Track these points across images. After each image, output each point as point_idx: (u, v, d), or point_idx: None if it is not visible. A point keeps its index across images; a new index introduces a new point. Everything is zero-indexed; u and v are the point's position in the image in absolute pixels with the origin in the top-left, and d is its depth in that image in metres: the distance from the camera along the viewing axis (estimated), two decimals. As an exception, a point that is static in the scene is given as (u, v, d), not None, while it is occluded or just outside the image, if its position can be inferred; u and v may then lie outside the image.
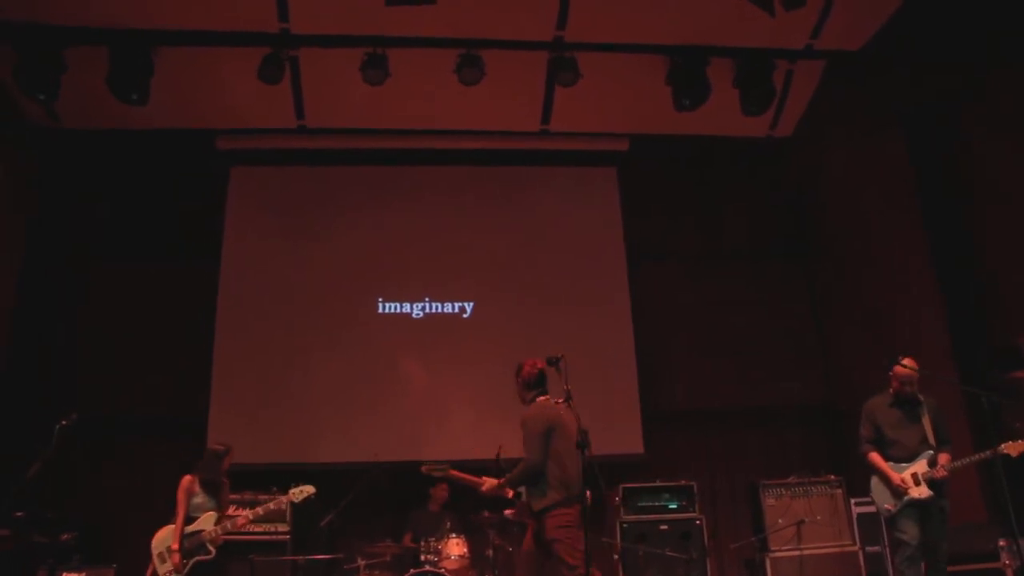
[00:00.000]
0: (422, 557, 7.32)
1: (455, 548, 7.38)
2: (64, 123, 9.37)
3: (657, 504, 8.27)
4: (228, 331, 9.46)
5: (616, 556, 7.93)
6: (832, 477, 8.22)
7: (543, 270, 10.03)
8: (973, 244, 8.44)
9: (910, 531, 5.98)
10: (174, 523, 6.60)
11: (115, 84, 8.40)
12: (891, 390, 6.35)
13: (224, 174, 9.99)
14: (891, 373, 6.31)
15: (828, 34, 8.81)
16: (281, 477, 8.24)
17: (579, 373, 6.05)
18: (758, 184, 10.87)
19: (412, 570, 7.08)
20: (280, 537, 7.91)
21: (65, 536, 7.42)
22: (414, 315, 9.80)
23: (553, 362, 5.84)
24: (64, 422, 6.02)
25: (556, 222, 10.20)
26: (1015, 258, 7.78)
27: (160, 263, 9.76)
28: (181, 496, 6.67)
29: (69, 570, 7.36)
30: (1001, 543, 6.63)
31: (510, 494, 6.08)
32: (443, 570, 7.07)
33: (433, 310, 9.82)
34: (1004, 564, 6.55)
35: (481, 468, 6.35)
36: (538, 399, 6.01)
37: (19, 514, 6.84)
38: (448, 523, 7.83)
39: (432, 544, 7.40)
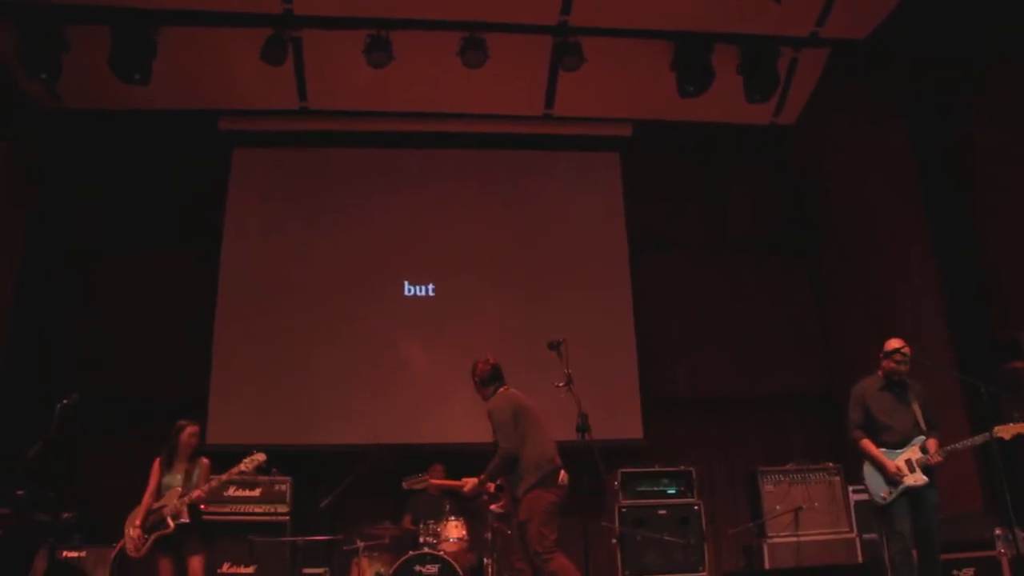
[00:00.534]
0: (421, 539, 7.36)
1: (454, 531, 7.42)
2: (66, 103, 9.33)
3: (656, 489, 8.30)
4: (229, 314, 9.47)
5: (614, 540, 7.97)
6: (830, 465, 8.23)
7: (544, 255, 10.03)
8: (975, 235, 8.45)
9: (902, 522, 5.94)
10: None
11: (117, 64, 8.38)
12: (881, 372, 6.32)
13: (226, 156, 9.97)
14: (882, 352, 6.29)
15: (833, 22, 8.78)
16: (281, 459, 8.28)
17: (580, 358, 6.09)
18: (761, 172, 10.86)
19: (411, 552, 7.11)
20: (280, 518, 7.92)
21: (66, 515, 7.44)
22: (416, 299, 9.80)
23: (554, 346, 5.89)
24: (65, 401, 6.05)
25: (558, 207, 10.19)
26: (1016, 249, 7.79)
27: (161, 247, 9.74)
28: (151, 476, 6.67)
29: (70, 549, 7.39)
30: (997, 532, 6.63)
31: (491, 488, 6.15)
32: (442, 552, 7.10)
33: (434, 294, 9.82)
34: (1000, 553, 6.56)
35: (480, 452, 6.38)
36: (498, 391, 6.08)
37: (20, 493, 6.86)
38: (447, 506, 7.85)
39: (431, 527, 7.45)
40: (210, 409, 9.04)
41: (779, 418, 9.96)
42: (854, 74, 9.37)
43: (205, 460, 6.71)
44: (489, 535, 7.29)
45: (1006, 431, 5.84)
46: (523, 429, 5.88)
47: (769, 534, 7.92)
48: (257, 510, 7.95)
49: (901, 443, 6.11)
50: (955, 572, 6.65)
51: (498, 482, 6.22)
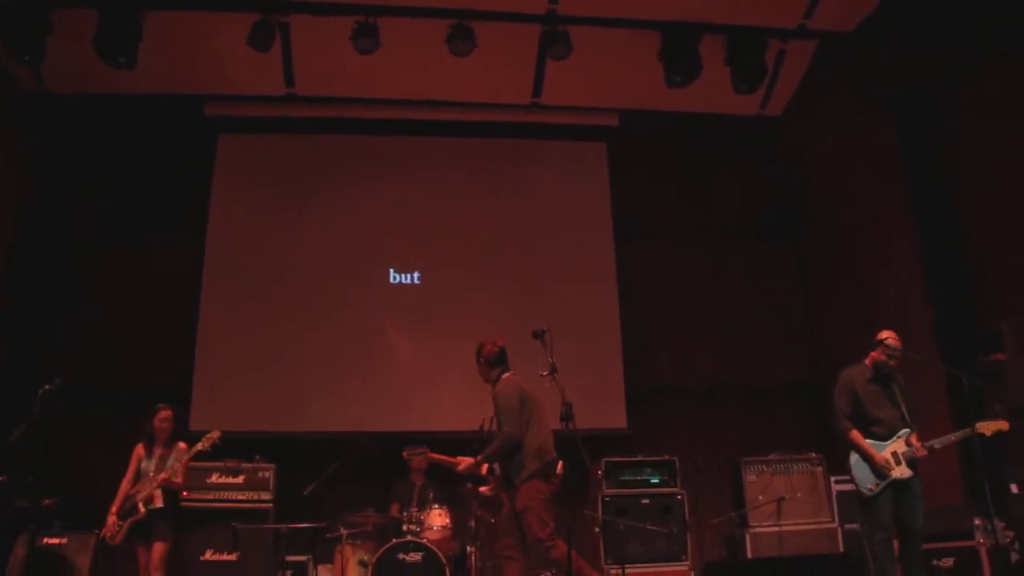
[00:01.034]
0: (404, 527, 7.35)
1: (437, 519, 7.44)
2: (49, 87, 9.23)
3: (639, 478, 8.33)
4: (213, 301, 9.43)
5: (597, 529, 8.00)
6: (813, 455, 8.27)
7: (531, 243, 10.03)
8: (961, 228, 8.47)
9: (886, 513, 6.00)
10: None
11: (102, 47, 8.29)
12: (869, 362, 6.34)
13: (212, 142, 9.92)
14: (873, 342, 6.31)
15: (821, 14, 8.79)
16: (265, 446, 8.28)
17: (564, 347, 6.10)
18: (747, 162, 10.88)
19: (394, 540, 7.11)
20: (263, 505, 7.91)
21: (47, 501, 7.39)
22: (401, 286, 9.78)
23: (539, 335, 5.90)
24: (47, 387, 6.02)
25: (545, 196, 10.19)
26: (1003, 242, 7.81)
27: (148, 234, 9.66)
28: (131, 462, 6.74)
29: (51, 536, 7.36)
30: (976, 522, 6.69)
31: (483, 470, 6.15)
32: (425, 540, 7.10)
33: (420, 281, 9.81)
34: (978, 543, 6.62)
35: (466, 440, 6.39)
36: (503, 376, 6.07)
37: (1, 479, 6.82)
38: (431, 494, 7.86)
39: (415, 514, 7.45)
40: (194, 396, 9.01)
41: (763, 407, 9.99)
42: (841, 66, 9.37)
43: (182, 445, 6.74)
44: (473, 523, 7.30)
45: (987, 427, 5.91)
46: (528, 416, 5.89)
47: (751, 524, 7.97)
48: (240, 497, 7.94)
49: (888, 435, 6.16)
50: (935, 562, 6.71)
51: (493, 466, 6.21)
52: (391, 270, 9.79)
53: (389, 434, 8.99)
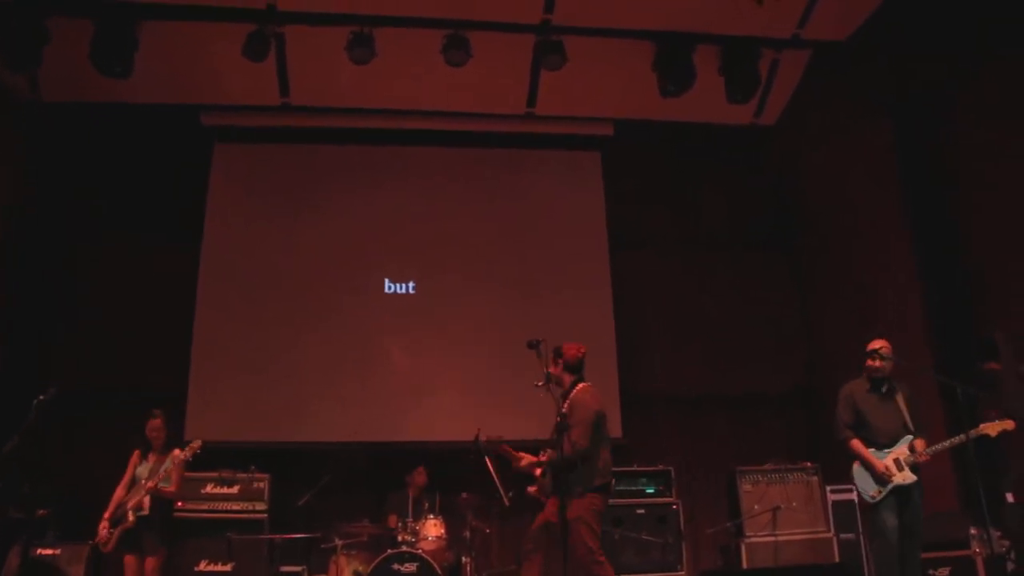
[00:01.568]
0: (399, 537, 7.34)
1: (432, 529, 7.43)
2: (45, 96, 9.24)
3: (634, 488, 8.33)
4: (208, 310, 9.42)
5: (593, 539, 7.96)
6: (808, 464, 8.28)
7: (526, 253, 10.03)
8: (960, 232, 8.43)
9: (890, 520, 6.00)
10: None
11: (98, 56, 8.29)
12: (865, 373, 6.38)
13: (208, 151, 9.91)
14: (868, 355, 6.34)
15: (814, 24, 8.81)
16: (260, 456, 8.27)
17: (560, 357, 6.06)
18: (742, 172, 10.90)
19: (389, 550, 7.10)
20: (258, 516, 7.90)
21: (41, 512, 7.37)
22: (396, 295, 9.77)
23: (533, 346, 5.85)
24: (42, 396, 5.99)
25: (540, 205, 10.20)
26: (1001, 246, 7.79)
27: (146, 236, 9.69)
28: (128, 468, 6.68)
29: (44, 546, 7.33)
30: (972, 531, 6.69)
31: (537, 472, 6.07)
32: (420, 551, 7.09)
33: (415, 291, 9.80)
34: (975, 552, 6.62)
35: (461, 450, 6.38)
36: (579, 384, 6.00)
37: (-7, 490, 6.80)
38: (426, 505, 7.85)
39: (410, 525, 7.43)
40: (189, 406, 9.00)
41: (758, 416, 9.99)
42: (836, 73, 9.40)
43: (176, 452, 6.62)
44: (468, 534, 7.31)
45: (992, 428, 5.89)
46: (602, 432, 5.85)
47: (747, 534, 7.96)
48: (235, 507, 7.93)
49: (889, 443, 6.17)
50: (931, 571, 6.71)
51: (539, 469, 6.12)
52: (386, 279, 9.78)
53: (385, 444, 8.98)
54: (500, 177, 10.31)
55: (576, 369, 6.07)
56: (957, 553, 6.74)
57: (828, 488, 8.09)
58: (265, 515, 7.93)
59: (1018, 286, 7.53)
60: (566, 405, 5.87)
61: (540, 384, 5.87)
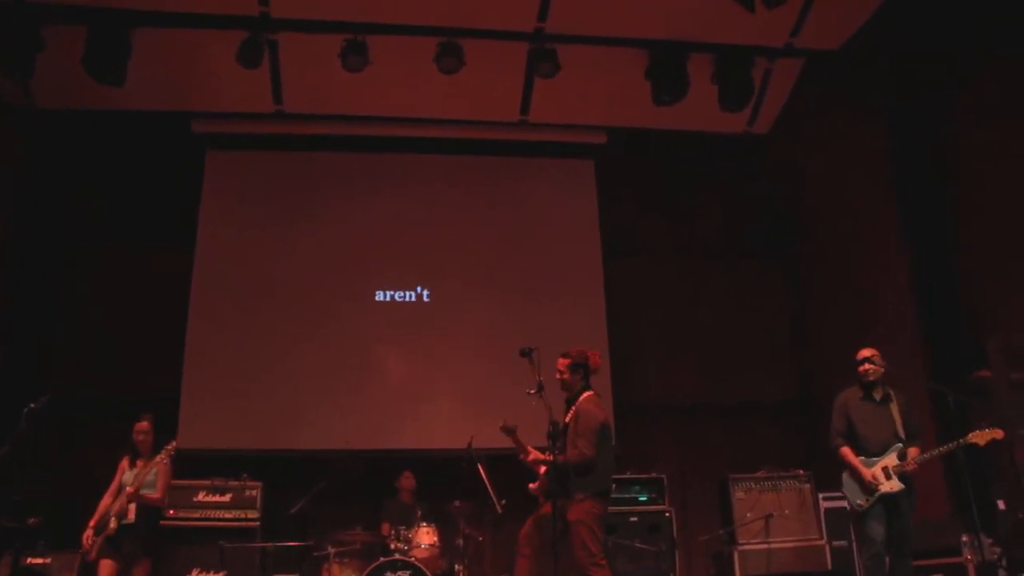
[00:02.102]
0: (392, 545, 7.33)
1: (425, 537, 7.41)
2: (40, 103, 9.23)
3: (627, 496, 8.32)
4: (201, 317, 9.40)
5: (585, 547, 7.96)
6: (801, 472, 8.28)
7: (519, 261, 10.03)
8: (957, 237, 8.41)
9: (877, 529, 6.02)
10: None
11: (91, 63, 8.29)
12: (857, 380, 6.41)
13: (200, 158, 9.91)
14: (858, 364, 6.38)
15: (807, 32, 8.84)
16: (253, 464, 8.26)
17: (553, 365, 6.07)
18: (736, 180, 10.93)
19: (382, 558, 7.09)
20: (250, 524, 7.88)
21: (32, 520, 7.34)
22: (390, 303, 9.77)
23: (526, 353, 5.86)
24: (33, 404, 5.96)
25: (533, 213, 10.21)
26: (999, 251, 7.78)
27: (134, 249, 9.68)
28: (115, 475, 6.58)
29: (34, 555, 7.30)
30: (964, 538, 6.70)
31: (542, 470, 6.06)
32: (413, 559, 7.07)
33: (408, 299, 9.80)
34: (966, 559, 6.63)
35: (453, 458, 6.38)
36: (586, 393, 6.01)
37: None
38: (419, 512, 7.84)
39: (403, 532, 7.42)
40: (181, 414, 8.97)
41: (751, 424, 10.01)
42: (830, 82, 9.42)
43: (162, 459, 6.51)
44: (460, 541, 7.30)
45: (981, 438, 5.90)
46: (606, 441, 5.86)
47: (740, 541, 7.96)
48: (227, 515, 7.91)
49: (879, 451, 6.18)
50: (924, 578, 6.73)
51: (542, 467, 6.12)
52: (379, 287, 9.78)
53: (378, 452, 8.97)
54: (494, 185, 10.32)
55: (586, 376, 6.08)
56: (949, 560, 6.75)
57: (821, 496, 8.10)
58: (257, 523, 7.91)
59: (1016, 288, 7.54)
60: (571, 412, 5.90)
61: (532, 392, 5.87)
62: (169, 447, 6.48)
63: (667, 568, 7.95)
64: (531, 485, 6.29)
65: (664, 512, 8.23)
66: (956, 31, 7.96)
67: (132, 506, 6.32)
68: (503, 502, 7.00)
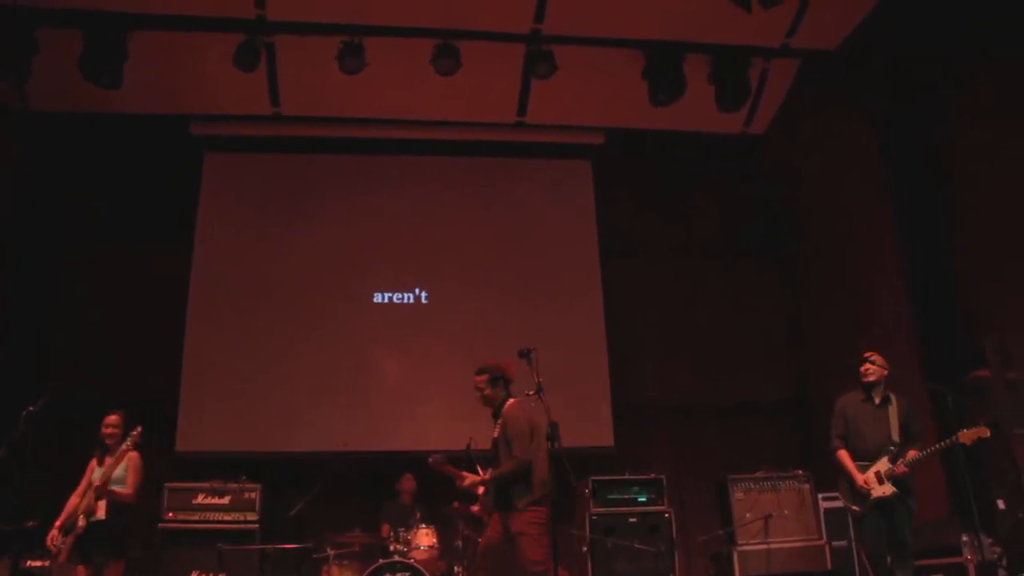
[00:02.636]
0: (391, 547, 7.33)
1: (424, 539, 7.41)
2: (34, 105, 9.20)
3: (626, 497, 8.30)
4: (199, 319, 9.40)
5: (584, 548, 7.96)
6: (800, 472, 8.27)
7: (517, 262, 10.04)
8: (952, 238, 8.43)
9: (874, 532, 6.08)
10: None
11: (87, 67, 8.29)
12: (860, 384, 6.42)
13: (197, 161, 9.91)
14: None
15: (804, 33, 8.85)
16: (251, 466, 8.25)
17: (550, 366, 6.06)
18: (733, 180, 10.95)
19: (381, 560, 7.08)
20: (249, 526, 7.87)
21: (30, 523, 7.32)
22: (387, 305, 9.77)
23: (524, 354, 5.87)
24: (31, 407, 5.95)
25: (531, 214, 10.21)
26: (994, 251, 7.79)
27: (132, 251, 9.68)
28: (84, 476, 6.38)
29: (34, 558, 7.28)
30: (964, 538, 6.71)
31: (480, 491, 6.12)
32: (412, 560, 7.07)
33: (405, 300, 9.81)
34: (966, 559, 6.63)
35: (452, 460, 6.37)
36: (510, 400, 6.04)
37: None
38: (418, 514, 7.84)
39: (402, 534, 7.42)
40: (180, 416, 8.99)
41: (750, 425, 10.02)
42: (826, 82, 9.44)
43: (133, 454, 6.33)
44: (459, 543, 7.29)
45: (968, 437, 5.91)
46: (536, 443, 5.87)
47: (739, 542, 7.95)
48: (226, 518, 7.90)
49: (875, 455, 6.20)
50: (924, 578, 6.73)
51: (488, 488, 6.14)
52: (377, 288, 9.78)
53: (376, 454, 8.96)
54: (491, 186, 10.32)
55: (506, 385, 6.11)
56: (949, 560, 6.75)
57: (820, 496, 8.09)
58: (256, 525, 7.89)
59: (1012, 289, 7.55)
60: (499, 424, 5.97)
61: (531, 393, 5.87)
62: (133, 433, 6.20)
63: (666, 569, 7.93)
64: (473, 508, 6.33)
65: (663, 513, 8.21)
66: (951, 32, 7.96)
67: (102, 504, 6.10)
68: None
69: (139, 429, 6.24)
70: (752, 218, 10.93)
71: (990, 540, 6.54)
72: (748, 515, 8.00)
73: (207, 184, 9.88)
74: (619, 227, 10.47)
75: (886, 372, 6.35)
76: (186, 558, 7.61)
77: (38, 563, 7.27)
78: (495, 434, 6.01)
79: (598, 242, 10.20)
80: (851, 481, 6.21)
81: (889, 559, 6.04)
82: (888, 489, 6.05)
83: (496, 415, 6.06)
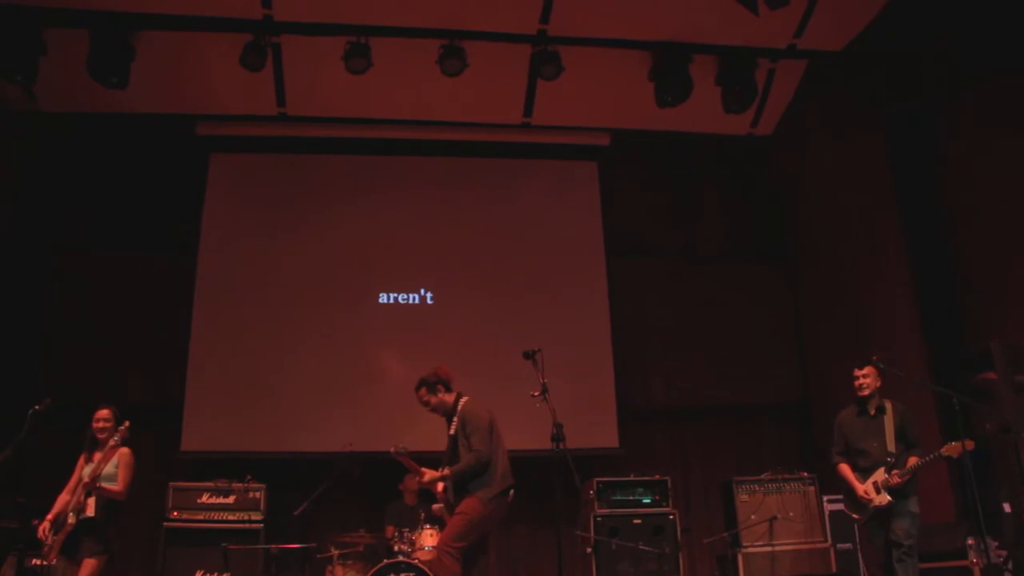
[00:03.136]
0: (396, 547, 7.33)
1: (429, 539, 7.40)
2: (41, 106, 9.21)
3: (631, 498, 8.30)
4: (205, 320, 9.40)
5: (589, 549, 7.96)
6: (805, 474, 8.26)
7: (522, 263, 10.02)
8: (954, 243, 8.43)
9: (877, 541, 6.23)
10: None
11: (95, 67, 8.32)
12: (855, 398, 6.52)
13: (204, 161, 9.91)
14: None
15: (811, 34, 8.83)
16: (256, 466, 8.26)
17: (556, 367, 6.10)
18: (738, 182, 10.94)
19: (385, 560, 7.08)
20: (253, 526, 7.88)
21: (36, 522, 7.33)
22: (393, 306, 9.76)
23: (529, 355, 5.89)
24: (37, 407, 5.95)
25: (537, 216, 10.19)
26: (996, 257, 7.79)
27: (138, 251, 9.70)
28: (73, 473, 6.30)
29: (39, 557, 7.29)
30: (969, 541, 6.71)
31: (439, 488, 6.14)
32: (416, 561, 7.07)
33: (411, 301, 9.79)
34: (972, 562, 6.63)
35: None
36: (464, 397, 6.17)
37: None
38: (422, 515, 7.84)
39: (406, 535, 7.43)
40: (185, 416, 8.98)
41: (754, 427, 10.02)
42: (833, 84, 9.43)
43: (124, 450, 6.28)
44: (464, 544, 7.27)
45: (953, 450, 6.01)
46: (496, 439, 5.91)
47: (743, 544, 7.94)
48: (231, 518, 7.91)
49: (873, 466, 6.28)
50: (929, 582, 6.72)
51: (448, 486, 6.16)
52: (383, 290, 9.77)
53: (381, 454, 8.95)
54: (497, 187, 10.30)
55: (447, 386, 6.30)
56: (955, 563, 6.75)
57: (825, 498, 8.09)
58: (261, 525, 7.90)
59: (1013, 295, 7.54)
60: (455, 422, 6.11)
61: (536, 394, 5.88)
62: (122, 428, 6.18)
63: (671, 570, 7.93)
64: (435, 507, 6.37)
65: (668, 514, 8.21)
66: (958, 35, 7.95)
67: (91, 501, 6.04)
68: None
69: (127, 424, 6.22)
70: (758, 220, 10.91)
71: (996, 543, 6.55)
72: (753, 517, 7.99)
73: (213, 185, 9.87)
74: (625, 228, 10.44)
75: (879, 383, 6.44)
76: (190, 557, 7.62)
77: (44, 562, 7.28)
78: (451, 431, 6.07)
79: (604, 243, 10.18)
80: (850, 492, 6.36)
81: (891, 558, 6.06)
82: (885, 499, 6.14)
83: (450, 415, 6.20)
